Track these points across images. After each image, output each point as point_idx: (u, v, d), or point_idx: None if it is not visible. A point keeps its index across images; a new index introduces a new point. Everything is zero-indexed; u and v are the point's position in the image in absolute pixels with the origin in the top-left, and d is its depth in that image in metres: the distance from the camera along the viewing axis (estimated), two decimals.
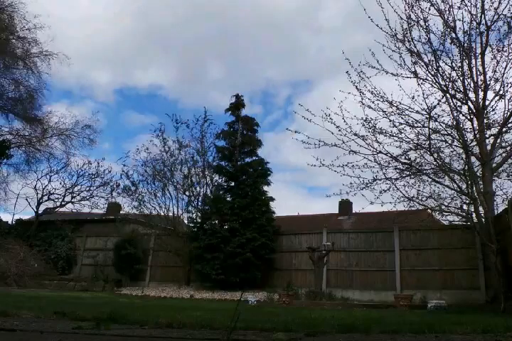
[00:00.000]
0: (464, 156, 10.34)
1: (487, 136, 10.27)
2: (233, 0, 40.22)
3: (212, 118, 16.75)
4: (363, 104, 10.82)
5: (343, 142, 10.83)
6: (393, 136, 10.70)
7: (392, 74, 10.70)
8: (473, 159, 10.27)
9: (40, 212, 19.41)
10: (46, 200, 19.77)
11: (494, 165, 10.29)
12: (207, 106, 36.88)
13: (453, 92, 10.27)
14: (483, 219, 9.87)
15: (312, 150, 11.03)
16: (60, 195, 19.74)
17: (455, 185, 10.38)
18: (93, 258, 16.62)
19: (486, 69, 10.11)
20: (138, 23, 40.43)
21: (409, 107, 10.61)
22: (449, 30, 10.20)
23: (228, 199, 14.81)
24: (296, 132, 10.98)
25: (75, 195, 19.81)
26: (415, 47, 10.50)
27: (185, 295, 12.43)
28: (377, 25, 10.60)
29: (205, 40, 42.24)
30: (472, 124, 10.20)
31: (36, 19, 17.82)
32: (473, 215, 10.11)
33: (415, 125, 10.64)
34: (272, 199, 14.77)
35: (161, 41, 44.07)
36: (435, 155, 10.32)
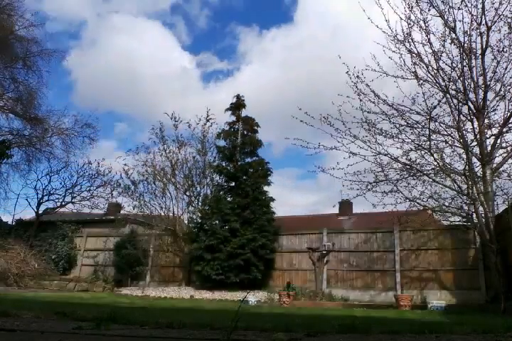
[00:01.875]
0: (464, 157, 10.34)
1: (487, 136, 10.28)
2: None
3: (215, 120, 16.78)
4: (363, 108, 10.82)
5: (343, 145, 10.84)
6: (394, 137, 10.70)
7: (392, 76, 10.71)
8: (473, 159, 10.27)
9: (40, 212, 19.38)
10: (46, 200, 19.75)
11: (494, 165, 10.29)
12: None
13: (453, 93, 10.26)
14: (484, 220, 9.86)
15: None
16: (60, 195, 19.71)
17: (455, 186, 10.37)
18: (93, 258, 16.63)
19: (487, 70, 10.11)
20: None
21: (410, 109, 10.62)
22: (449, 30, 10.19)
23: (229, 199, 14.81)
24: (295, 139, 11.01)
25: (75, 195, 19.79)
26: (415, 47, 10.50)
27: (185, 295, 12.43)
28: (377, 26, 10.61)
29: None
30: (472, 125, 10.21)
31: (33, 17, 17.88)
32: (474, 215, 10.11)
33: (415, 126, 10.65)
34: (272, 199, 14.76)
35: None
36: (436, 155, 10.32)
